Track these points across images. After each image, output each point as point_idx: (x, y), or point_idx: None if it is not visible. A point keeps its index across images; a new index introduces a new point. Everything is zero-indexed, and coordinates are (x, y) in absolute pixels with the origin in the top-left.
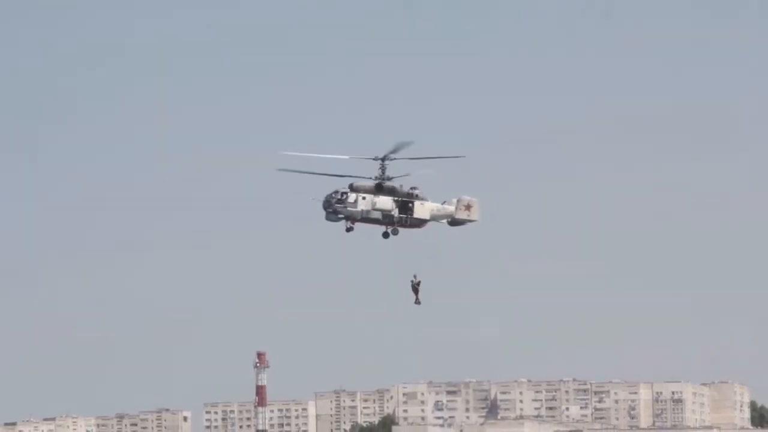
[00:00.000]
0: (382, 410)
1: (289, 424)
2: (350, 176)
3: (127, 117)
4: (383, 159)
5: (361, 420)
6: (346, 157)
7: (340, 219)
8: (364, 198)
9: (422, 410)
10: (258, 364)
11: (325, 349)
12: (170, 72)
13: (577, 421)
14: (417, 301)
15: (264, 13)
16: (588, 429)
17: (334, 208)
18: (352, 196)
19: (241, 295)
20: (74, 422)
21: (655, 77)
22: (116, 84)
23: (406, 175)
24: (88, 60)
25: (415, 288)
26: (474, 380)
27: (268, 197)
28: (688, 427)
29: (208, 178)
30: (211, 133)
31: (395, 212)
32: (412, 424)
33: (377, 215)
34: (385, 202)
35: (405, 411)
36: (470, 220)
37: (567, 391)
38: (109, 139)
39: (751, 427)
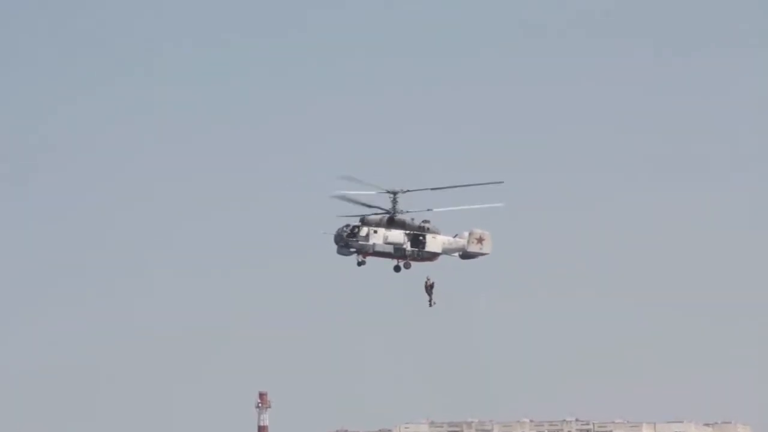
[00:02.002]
0: None
1: None
2: (375, 207)
3: (123, 150)
4: (395, 194)
5: None
6: (373, 192)
7: (352, 253)
8: (375, 231)
9: None
10: (260, 405)
11: (327, 389)
12: (174, 101)
13: None
14: (431, 303)
15: (278, 41)
16: None
17: (346, 241)
18: (363, 230)
19: (244, 333)
20: None
21: (659, 105)
22: (123, 108)
23: (428, 210)
24: (100, 77)
25: (429, 290)
26: (476, 420)
27: (275, 229)
28: None
29: (209, 209)
30: (205, 165)
31: (407, 246)
32: None
33: (389, 249)
34: (397, 236)
35: None
36: (482, 254)
37: (569, 431)
38: (101, 176)
39: None
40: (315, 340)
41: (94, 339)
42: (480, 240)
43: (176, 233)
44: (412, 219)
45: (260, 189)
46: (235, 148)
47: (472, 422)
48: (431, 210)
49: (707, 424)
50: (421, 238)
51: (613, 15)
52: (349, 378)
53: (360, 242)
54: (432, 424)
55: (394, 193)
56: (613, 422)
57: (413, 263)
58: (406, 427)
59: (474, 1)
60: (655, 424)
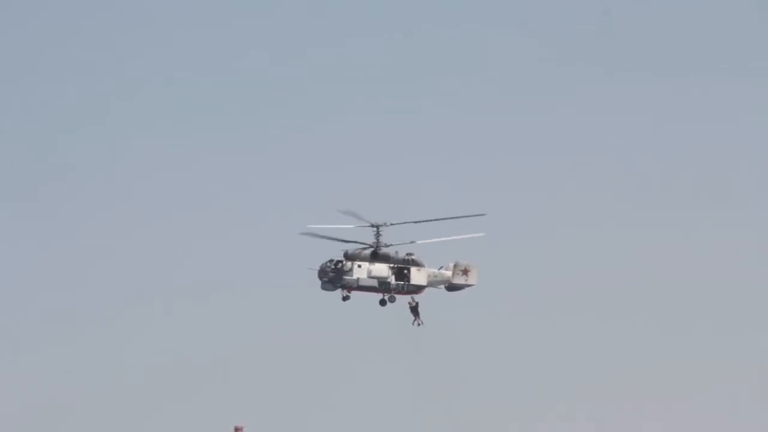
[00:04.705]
0: None
1: None
2: (351, 242)
3: (121, 179)
4: (378, 227)
5: None
6: (352, 226)
7: (336, 288)
8: (359, 266)
9: None
10: None
11: (307, 424)
12: (180, 128)
13: None
14: (418, 323)
15: (266, 70)
16: None
17: (330, 277)
18: (347, 265)
19: (222, 366)
20: None
21: (660, 134)
22: (119, 137)
23: (412, 242)
24: (92, 111)
25: (413, 311)
26: None
27: (259, 264)
28: None
29: (192, 241)
30: (193, 198)
31: (392, 279)
32: None
33: (374, 283)
34: (381, 270)
35: None
36: (468, 285)
37: None
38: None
39: None
40: (296, 375)
41: (63, 374)
42: (465, 272)
43: (152, 266)
44: (396, 252)
45: (241, 222)
46: (217, 178)
47: None
48: (414, 242)
49: None
50: (405, 271)
51: (611, 16)
52: (330, 413)
53: (344, 277)
54: None
55: (378, 227)
56: None
57: (398, 296)
58: None
59: (467, 24)
60: None
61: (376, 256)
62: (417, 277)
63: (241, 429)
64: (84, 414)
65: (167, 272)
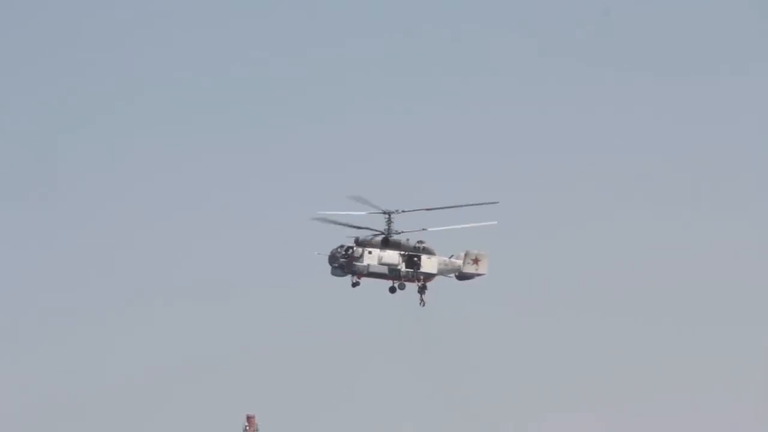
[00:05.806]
0: None
1: None
2: (363, 228)
3: (129, 173)
4: (390, 214)
5: None
6: (363, 213)
7: (346, 274)
8: (370, 252)
9: None
10: (247, 428)
11: (317, 412)
12: (180, 128)
13: None
14: (422, 303)
15: (282, 64)
16: None
17: (340, 263)
18: (358, 251)
19: (231, 353)
20: None
21: (665, 132)
22: (126, 133)
23: (423, 230)
24: (99, 107)
25: (421, 290)
26: None
27: (267, 251)
28: None
29: (192, 241)
30: (202, 190)
31: (402, 267)
32: None
33: (384, 270)
34: (392, 257)
35: None
36: (478, 274)
37: None
38: (107, 199)
39: None
40: (306, 362)
41: (63, 374)
42: (476, 260)
43: (162, 259)
44: (407, 239)
45: (252, 211)
46: (225, 172)
47: None
48: (426, 230)
49: None
50: (416, 258)
51: (611, 16)
52: (340, 401)
53: (354, 263)
54: None
55: (389, 214)
56: None
57: (408, 284)
58: None
59: (467, 24)
60: None
61: (387, 243)
62: (427, 264)
63: (253, 417)
64: (84, 412)
65: (167, 272)
